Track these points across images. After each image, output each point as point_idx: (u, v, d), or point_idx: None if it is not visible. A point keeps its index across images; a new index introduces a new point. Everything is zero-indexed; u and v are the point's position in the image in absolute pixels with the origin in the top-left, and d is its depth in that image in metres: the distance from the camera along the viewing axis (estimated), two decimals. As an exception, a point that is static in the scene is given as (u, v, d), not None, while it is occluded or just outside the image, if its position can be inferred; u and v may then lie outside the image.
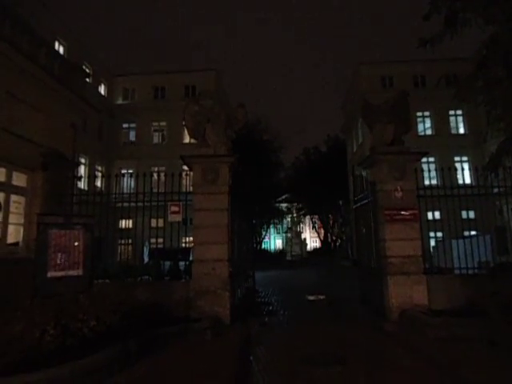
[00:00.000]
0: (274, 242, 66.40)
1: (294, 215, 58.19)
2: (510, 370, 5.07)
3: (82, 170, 24.52)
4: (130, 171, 24.53)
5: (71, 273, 6.38)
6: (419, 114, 28.50)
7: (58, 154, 8.78)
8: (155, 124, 31.54)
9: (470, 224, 8.93)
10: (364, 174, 9.77)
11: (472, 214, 9.22)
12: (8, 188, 8.03)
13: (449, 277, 8.22)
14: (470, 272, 8.20)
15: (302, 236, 59.85)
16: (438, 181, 15.67)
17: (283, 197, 53.92)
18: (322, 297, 12.17)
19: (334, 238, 54.12)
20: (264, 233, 50.11)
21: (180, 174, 8.68)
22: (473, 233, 9.50)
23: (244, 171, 10.60)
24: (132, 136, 31.83)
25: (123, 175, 9.92)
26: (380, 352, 5.98)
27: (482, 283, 7.56)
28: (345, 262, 34.52)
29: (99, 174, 26.67)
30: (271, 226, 54.32)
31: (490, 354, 5.64)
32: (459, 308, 7.25)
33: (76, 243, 6.55)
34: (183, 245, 13.33)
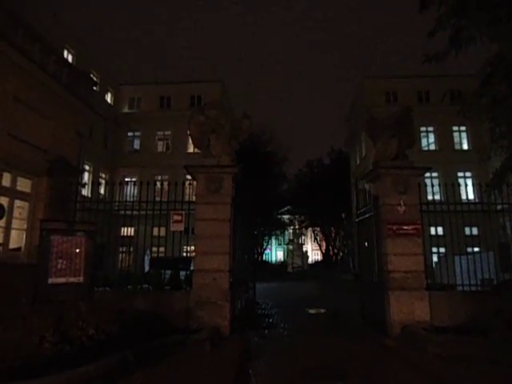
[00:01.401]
0: (276, 253, 66.07)
1: (296, 227, 58.02)
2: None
3: (86, 177, 24.63)
4: (134, 179, 24.69)
5: (72, 279, 6.38)
6: (423, 128, 28.57)
7: (63, 160, 8.85)
8: (160, 133, 31.75)
9: (473, 240, 8.89)
10: (367, 187, 9.77)
11: (475, 231, 9.18)
12: (12, 193, 8.07)
13: (451, 293, 8.15)
14: (473, 289, 8.13)
15: (304, 248, 59.62)
16: (441, 196, 15.65)
17: (285, 208, 53.88)
18: (322, 310, 12.07)
19: (335, 251, 53.86)
20: (265, 244, 49.92)
21: (183, 184, 8.70)
22: (476, 249, 9.44)
23: (247, 182, 10.61)
24: (136, 144, 32.05)
25: (127, 183, 9.96)
26: (381, 368, 5.90)
27: (485, 300, 7.49)
28: (346, 276, 34.31)
29: (103, 182, 26.80)
30: (273, 237, 54.15)
31: (492, 374, 5.54)
32: (461, 325, 7.17)
33: (78, 250, 6.56)
34: (184, 254, 13.27)
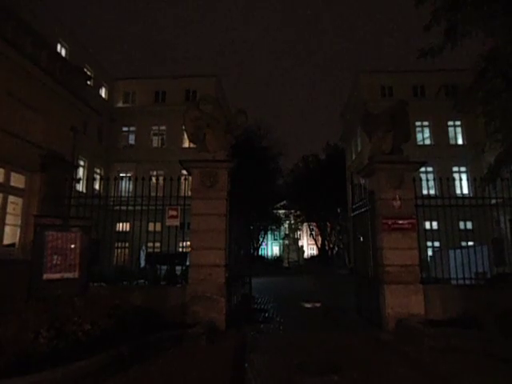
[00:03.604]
0: (271, 248, 66.26)
1: (292, 222, 58.13)
2: (507, 381, 5.05)
3: (80, 172, 24.48)
4: (129, 174, 24.60)
5: (67, 275, 6.36)
6: (418, 123, 28.60)
7: (57, 155, 8.78)
8: (155, 128, 31.57)
9: (467, 234, 8.95)
10: (362, 182, 9.79)
11: (469, 225, 9.24)
12: (6, 189, 8.00)
13: (445, 287, 8.20)
14: (467, 282, 8.20)
15: (300, 243, 59.76)
16: (436, 190, 15.72)
17: (281, 203, 53.92)
18: (318, 304, 12.14)
19: (331, 245, 54.06)
20: (261, 239, 50.00)
21: (179, 179, 8.66)
22: (470, 243, 9.51)
23: (243, 177, 10.60)
24: (131, 139, 31.83)
25: (122, 178, 9.91)
26: (376, 361, 5.95)
27: (479, 294, 7.56)
28: (342, 270, 34.48)
29: (98, 177, 26.66)
30: (268, 232, 54.26)
31: (486, 366, 5.61)
32: (456, 318, 7.23)
33: (72, 245, 6.53)
34: (180, 249, 13.32)
